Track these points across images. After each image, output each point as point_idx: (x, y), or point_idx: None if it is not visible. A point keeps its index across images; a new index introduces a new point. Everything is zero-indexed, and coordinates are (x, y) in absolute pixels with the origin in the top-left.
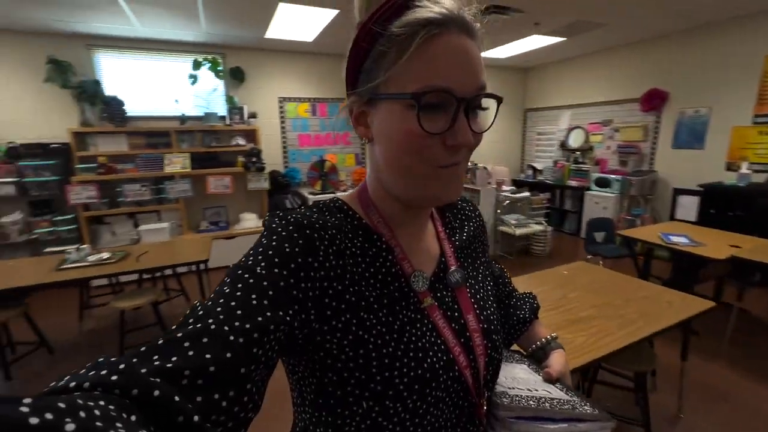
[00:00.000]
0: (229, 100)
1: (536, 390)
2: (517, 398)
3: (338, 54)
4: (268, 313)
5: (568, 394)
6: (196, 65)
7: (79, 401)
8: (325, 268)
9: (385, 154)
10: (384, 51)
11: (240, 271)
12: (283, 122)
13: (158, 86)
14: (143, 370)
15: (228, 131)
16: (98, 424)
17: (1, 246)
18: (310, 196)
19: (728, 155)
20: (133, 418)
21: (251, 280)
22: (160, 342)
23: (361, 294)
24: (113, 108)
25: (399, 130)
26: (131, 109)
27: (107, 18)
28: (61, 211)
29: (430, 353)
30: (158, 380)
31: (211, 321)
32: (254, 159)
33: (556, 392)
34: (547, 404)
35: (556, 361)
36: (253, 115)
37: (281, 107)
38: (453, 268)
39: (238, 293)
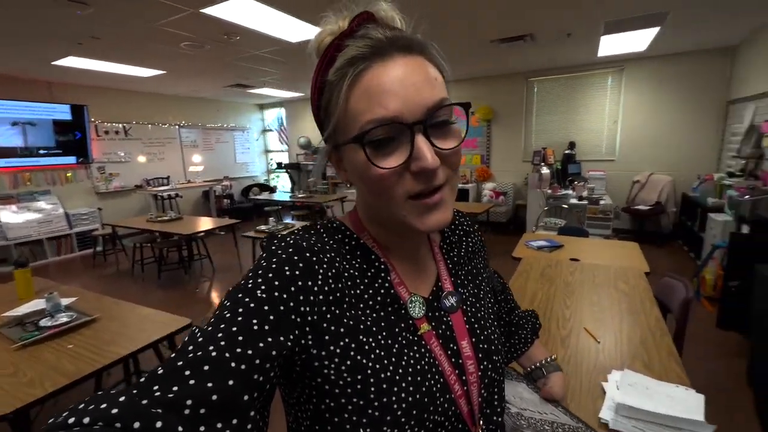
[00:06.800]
0: None
1: (545, 413)
2: (533, 421)
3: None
4: (269, 339)
5: (573, 419)
6: None
7: None
8: (324, 292)
9: (363, 195)
10: (327, 100)
11: (240, 295)
12: None
13: None
14: (144, 402)
15: None
16: None
17: None
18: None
19: None
20: None
21: (252, 304)
22: (160, 371)
23: (359, 317)
24: None
25: (363, 174)
26: None
27: None
28: None
29: (428, 376)
30: (160, 411)
31: (212, 348)
32: None
33: (563, 417)
34: (560, 429)
35: (557, 383)
36: None
37: None
38: (447, 291)
39: (239, 318)
